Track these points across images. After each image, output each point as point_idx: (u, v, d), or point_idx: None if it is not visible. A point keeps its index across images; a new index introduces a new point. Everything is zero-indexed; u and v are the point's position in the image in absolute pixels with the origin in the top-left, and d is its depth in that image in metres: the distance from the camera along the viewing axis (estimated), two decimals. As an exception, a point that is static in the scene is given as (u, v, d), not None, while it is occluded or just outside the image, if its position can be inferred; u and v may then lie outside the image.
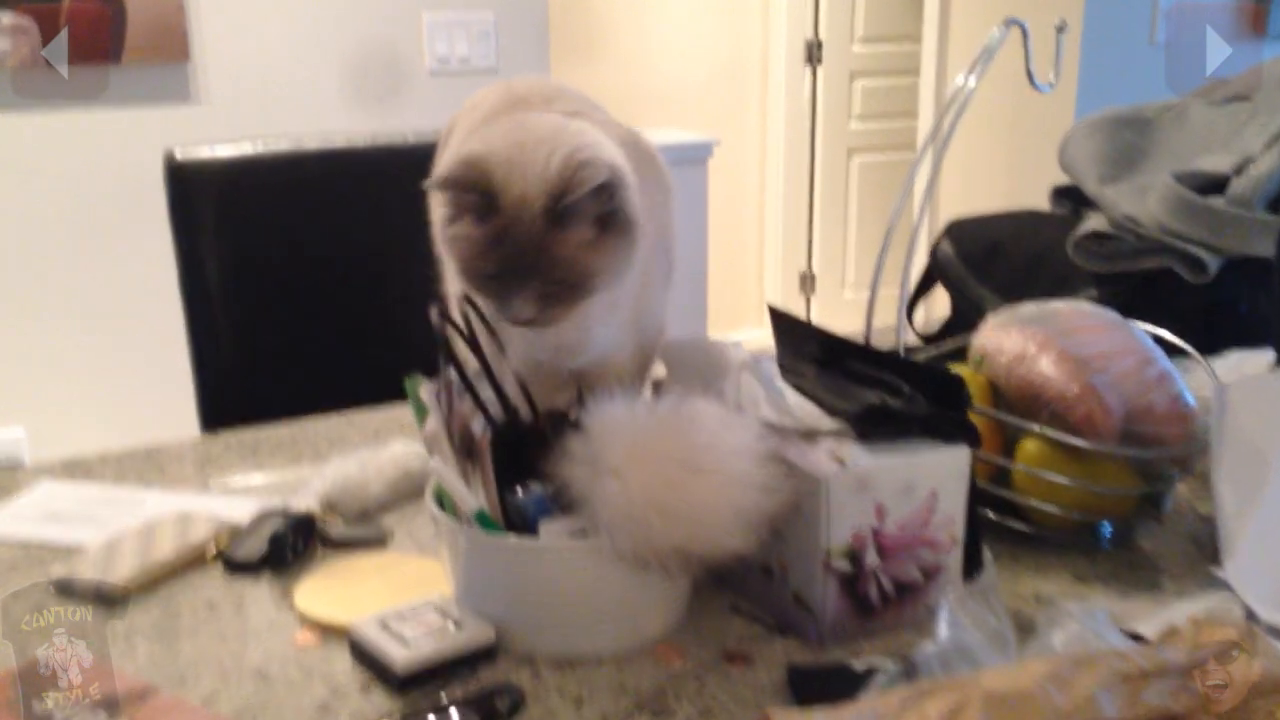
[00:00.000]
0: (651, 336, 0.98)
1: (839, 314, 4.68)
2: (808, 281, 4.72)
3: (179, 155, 1.54)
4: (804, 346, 1.00)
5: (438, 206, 0.95)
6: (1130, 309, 1.06)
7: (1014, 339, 0.95)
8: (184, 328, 1.55)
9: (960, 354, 1.06)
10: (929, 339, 1.34)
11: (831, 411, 0.87)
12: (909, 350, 1.22)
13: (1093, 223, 1.24)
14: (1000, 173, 3.49)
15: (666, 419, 0.80)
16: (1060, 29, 1.01)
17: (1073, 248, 1.24)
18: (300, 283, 1.62)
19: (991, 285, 1.30)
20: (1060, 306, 0.99)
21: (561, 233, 0.81)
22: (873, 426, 0.84)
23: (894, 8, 4.48)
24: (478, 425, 0.84)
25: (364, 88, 2.68)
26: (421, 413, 0.85)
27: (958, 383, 0.86)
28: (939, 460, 0.83)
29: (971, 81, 1.00)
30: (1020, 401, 0.95)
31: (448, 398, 0.85)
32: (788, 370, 0.95)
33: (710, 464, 0.78)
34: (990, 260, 1.32)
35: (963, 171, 3.65)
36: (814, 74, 4.51)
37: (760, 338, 3.55)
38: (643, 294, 0.94)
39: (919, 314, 1.44)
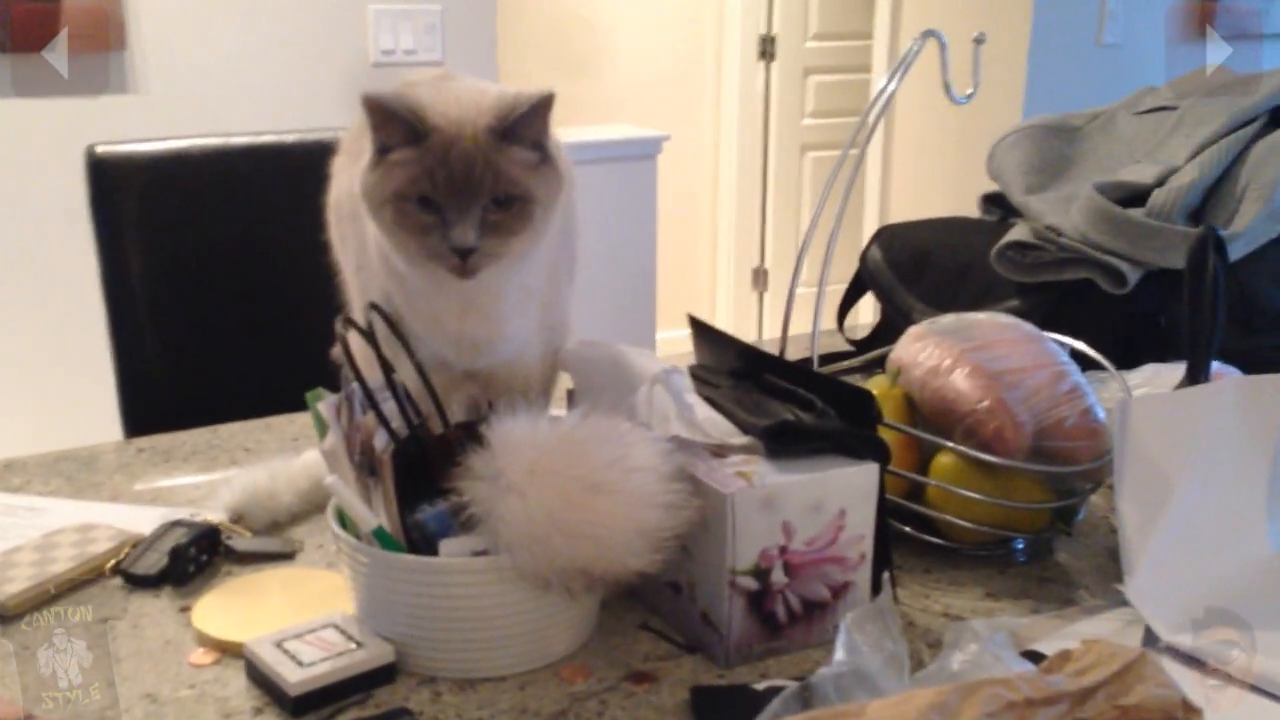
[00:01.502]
0: (558, 339, 0.97)
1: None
2: (761, 277, 4.72)
3: (100, 150, 1.50)
4: (722, 357, 0.99)
5: (350, 163, 0.94)
6: (1052, 320, 1.06)
7: (930, 352, 0.95)
8: (106, 328, 1.52)
9: (882, 364, 1.06)
10: (859, 345, 1.34)
11: (742, 426, 0.86)
12: (834, 357, 1.22)
13: (1016, 232, 1.24)
14: (950, 178, 3.50)
15: (569, 435, 0.79)
16: (978, 40, 1.01)
17: (995, 257, 1.24)
18: (227, 282, 1.58)
19: (919, 293, 1.29)
20: (978, 319, 0.99)
21: (507, 148, 0.82)
22: (782, 442, 0.83)
23: (848, 5, 4.48)
24: (380, 440, 0.82)
25: (306, 80, 2.63)
26: (322, 427, 0.83)
27: (867, 398, 0.85)
28: (848, 477, 0.82)
29: (891, 86, 0.99)
30: (935, 415, 0.94)
31: (349, 412, 0.83)
32: (702, 381, 0.94)
33: (612, 482, 0.77)
34: (918, 268, 1.31)
35: (913, 177, 3.65)
36: (767, 70, 4.51)
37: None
38: (549, 288, 0.94)
39: (864, 313, 1.43)
